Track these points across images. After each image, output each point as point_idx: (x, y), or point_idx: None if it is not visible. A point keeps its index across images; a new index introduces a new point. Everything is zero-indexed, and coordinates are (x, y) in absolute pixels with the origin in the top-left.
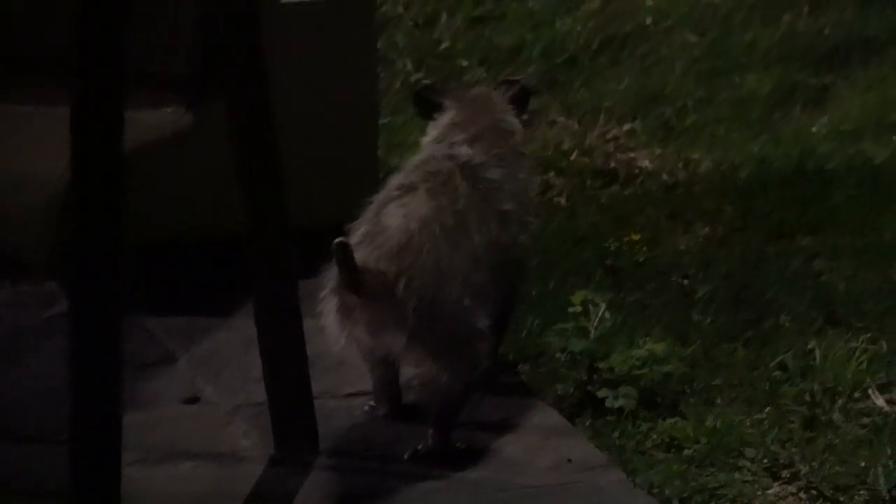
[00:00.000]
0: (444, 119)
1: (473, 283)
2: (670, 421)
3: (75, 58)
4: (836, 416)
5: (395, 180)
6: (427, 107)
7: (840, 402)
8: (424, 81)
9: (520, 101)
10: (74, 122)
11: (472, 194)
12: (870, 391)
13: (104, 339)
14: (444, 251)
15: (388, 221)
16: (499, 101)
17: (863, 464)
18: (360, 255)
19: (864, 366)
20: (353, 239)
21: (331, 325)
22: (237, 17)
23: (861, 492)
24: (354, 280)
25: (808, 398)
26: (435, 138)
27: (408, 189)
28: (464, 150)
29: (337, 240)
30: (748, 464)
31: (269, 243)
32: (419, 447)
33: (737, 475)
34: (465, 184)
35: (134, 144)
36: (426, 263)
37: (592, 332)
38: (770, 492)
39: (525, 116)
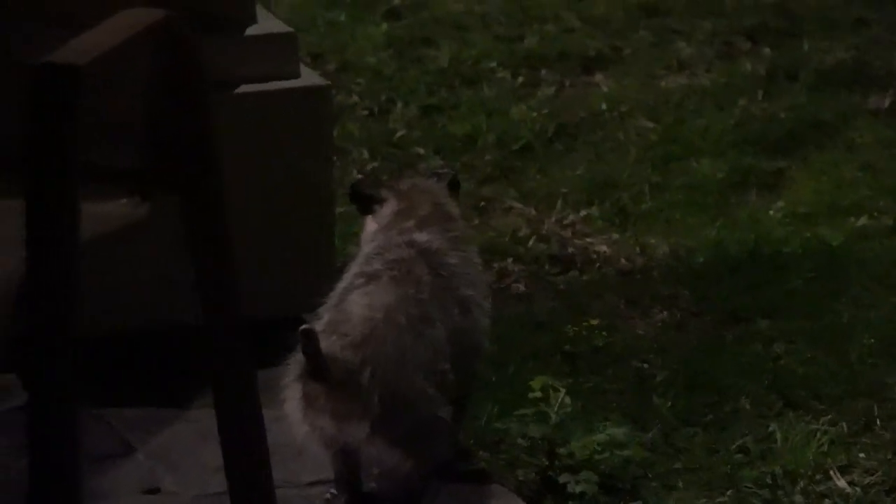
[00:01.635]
0: (387, 209)
1: (436, 371)
2: None
3: (27, 151)
4: (798, 499)
5: (356, 268)
6: (364, 201)
7: (801, 484)
8: (358, 176)
9: (452, 189)
10: (29, 215)
11: (434, 282)
12: (831, 472)
13: (63, 431)
14: (408, 341)
15: (352, 310)
16: (436, 188)
17: None
18: (324, 344)
19: (824, 448)
20: (317, 327)
21: (293, 413)
22: (188, 107)
23: None
24: (319, 368)
25: (769, 481)
26: (383, 227)
27: (371, 277)
28: (422, 237)
29: (303, 326)
30: None
31: (225, 334)
32: None
33: None
34: (427, 271)
35: (87, 236)
36: (391, 353)
37: (553, 417)
38: None
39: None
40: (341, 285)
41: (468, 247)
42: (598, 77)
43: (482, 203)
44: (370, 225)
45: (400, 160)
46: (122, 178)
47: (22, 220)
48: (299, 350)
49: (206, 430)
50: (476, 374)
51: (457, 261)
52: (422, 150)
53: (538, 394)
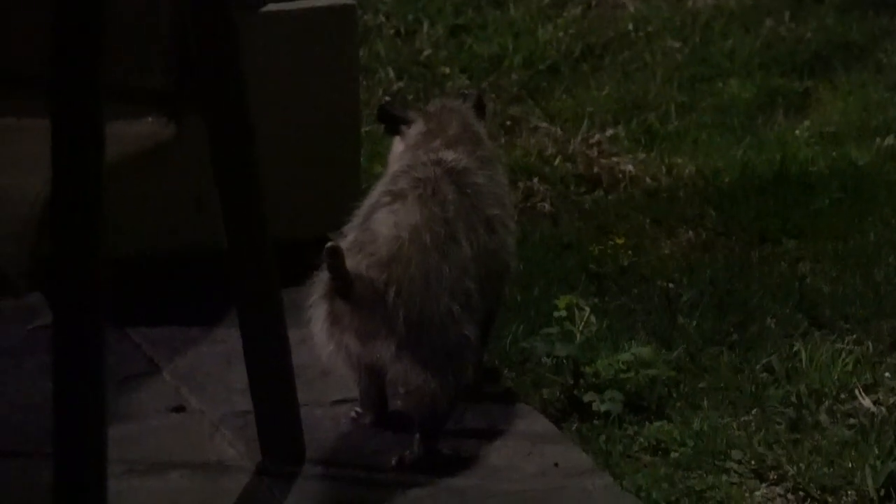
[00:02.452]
0: (415, 129)
1: (462, 291)
2: (657, 424)
3: (54, 71)
4: (823, 418)
5: (382, 186)
6: (392, 121)
7: (826, 403)
8: (385, 98)
9: (478, 110)
10: (55, 135)
11: (460, 201)
12: (856, 392)
13: (88, 350)
14: (433, 260)
15: (379, 229)
16: (464, 109)
17: (850, 464)
18: (350, 263)
19: (849, 367)
20: (343, 245)
21: (319, 333)
22: (214, 27)
23: (849, 492)
24: (345, 286)
25: (794, 400)
26: (410, 147)
27: (397, 196)
28: (449, 155)
29: (328, 244)
30: (735, 466)
31: (252, 254)
32: (406, 455)
33: (724, 477)
34: (453, 189)
35: (114, 156)
36: (416, 273)
37: (578, 336)
38: (757, 493)
39: (485, 126)
40: (367, 203)
41: (495, 166)
42: None
43: (509, 123)
44: (398, 146)
45: (426, 80)
46: (149, 97)
47: (48, 139)
48: (324, 269)
49: (231, 350)
50: (502, 295)
51: (483, 180)
52: (448, 71)
53: (563, 313)
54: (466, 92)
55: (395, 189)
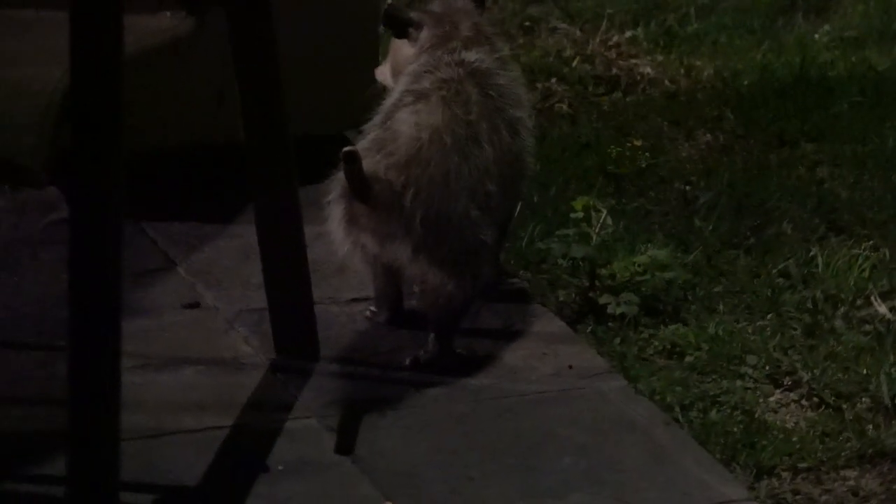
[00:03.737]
0: (426, 32)
1: (483, 193)
2: (672, 328)
3: None
4: (839, 324)
5: (404, 85)
6: (399, 24)
7: (842, 309)
8: (389, 2)
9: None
10: (73, 28)
11: (483, 102)
12: (872, 298)
13: (104, 244)
14: (453, 163)
15: (399, 128)
16: (470, 9)
17: (865, 371)
18: (368, 163)
19: (866, 273)
20: (363, 144)
21: (336, 231)
22: None
23: (863, 399)
24: (362, 189)
25: (810, 305)
26: (426, 49)
27: (420, 95)
28: (471, 56)
29: (345, 148)
30: (750, 371)
31: (270, 150)
32: (420, 354)
33: (738, 382)
34: (477, 91)
35: (133, 49)
36: (435, 174)
37: (594, 238)
38: (772, 399)
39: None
40: (389, 102)
41: (512, 67)
42: None
43: (527, 23)
44: (405, 49)
45: None
46: None
47: (66, 31)
48: (342, 169)
49: (247, 245)
50: (520, 196)
51: (505, 81)
52: None
53: (580, 214)
54: None
55: (418, 88)
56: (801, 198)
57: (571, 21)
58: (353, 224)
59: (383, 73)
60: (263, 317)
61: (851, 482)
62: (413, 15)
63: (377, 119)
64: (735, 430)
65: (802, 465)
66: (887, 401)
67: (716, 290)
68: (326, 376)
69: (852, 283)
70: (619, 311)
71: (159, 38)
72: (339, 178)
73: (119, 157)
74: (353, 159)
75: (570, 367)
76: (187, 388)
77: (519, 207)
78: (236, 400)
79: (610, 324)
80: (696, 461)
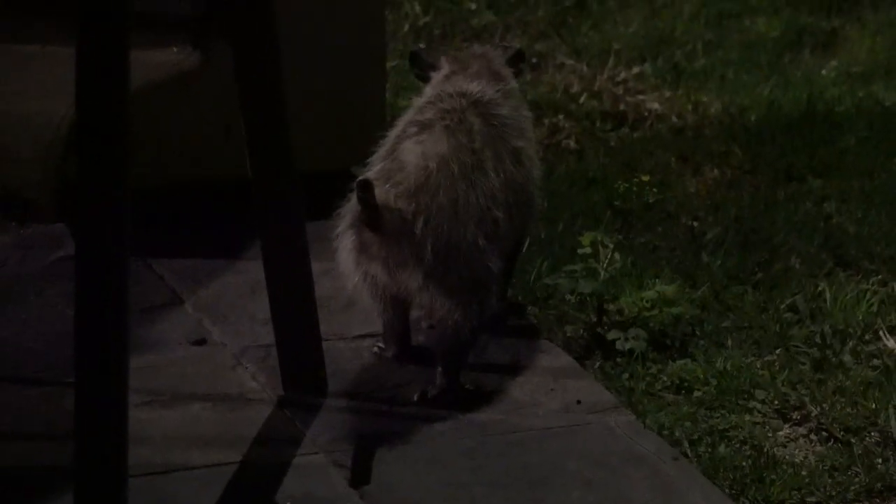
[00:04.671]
0: (441, 73)
1: (490, 220)
2: (680, 363)
3: None
4: (847, 358)
5: (408, 117)
6: (423, 67)
7: (850, 343)
8: (419, 45)
9: (514, 61)
10: (80, 62)
11: (486, 131)
12: (880, 333)
13: (111, 280)
14: (461, 189)
15: (406, 158)
16: (492, 55)
17: (873, 405)
18: (378, 193)
19: (874, 308)
20: (370, 176)
21: (346, 262)
22: None
23: (872, 433)
24: (374, 217)
25: (818, 340)
26: (436, 85)
27: (424, 126)
28: (473, 87)
29: (360, 177)
30: (758, 405)
31: (276, 185)
32: (428, 389)
33: (747, 417)
34: (479, 121)
35: (140, 84)
36: (444, 202)
37: (602, 273)
38: (780, 433)
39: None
40: (393, 133)
41: (519, 101)
42: None
43: (534, 59)
44: (426, 92)
45: (453, 15)
46: (174, 25)
47: (72, 66)
48: (352, 199)
49: (255, 281)
50: (528, 229)
51: (508, 112)
52: (475, 6)
53: (588, 250)
54: (507, 45)
55: (421, 119)
56: (808, 233)
57: (578, 57)
58: (363, 254)
59: None
60: (270, 352)
61: None
62: (436, 59)
63: (382, 151)
64: (744, 464)
65: (811, 499)
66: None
67: (724, 325)
68: (334, 412)
69: (860, 317)
70: (627, 346)
71: (165, 73)
72: (347, 210)
73: (125, 192)
74: (367, 187)
75: (579, 402)
76: (195, 423)
77: (527, 242)
78: (244, 435)
79: (618, 359)
80: (705, 496)
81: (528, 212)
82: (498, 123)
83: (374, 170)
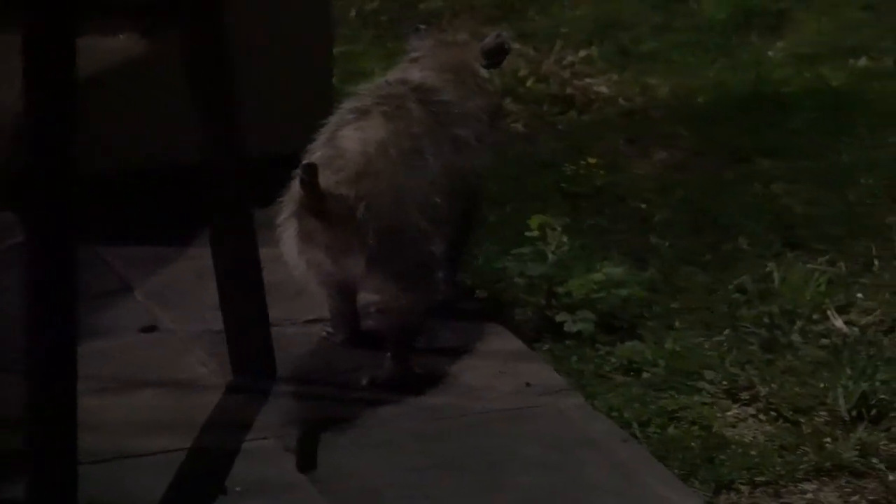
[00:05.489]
0: (408, 57)
1: (430, 206)
2: (629, 344)
3: None
4: (796, 338)
5: (349, 104)
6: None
7: (799, 324)
8: (419, 27)
9: (493, 53)
10: (27, 50)
11: (425, 117)
12: (829, 313)
13: (59, 268)
14: (401, 174)
15: (346, 145)
16: (466, 43)
17: (822, 385)
18: (320, 180)
19: (822, 288)
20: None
21: (290, 251)
22: None
23: (821, 413)
24: (317, 203)
25: (766, 320)
26: (395, 70)
27: (362, 113)
28: (416, 74)
29: (305, 161)
30: (707, 386)
31: (225, 172)
32: (378, 373)
33: (696, 397)
34: (419, 107)
35: (88, 72)
36: (385, 187)
37: (550, 256)
38: (729, 413)
39: (494, 67)
40: (332, 121)
41: (480, 92)
42: None
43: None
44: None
45: (400, 1)
46: (122, 12)
47: (17, 54)
48: (293, 187)
49: (204, 268)
50: (475, 215)
51: (450, 98)
52: None
53: (536, 233)
54: (499, 34)
55: (359, 106)
56: (757, 214)
57: (526, 41)
58: (306, 242)
59: None
60: (220, 338)
61: (810, 495)
62: (415, 43)
63: (321, 139)
64: (693, 445)
65: (761, 478)
66: (844, 414)
67: (672, 306)
68: (284, 397)
69: (809, 297)
70: (576, 328)
71: (114, 60)
72: (290, 198)
73: (73, 180)
74: (313, 172)
75: (528, 384)
76: (145, 410)
77: (475, 226)
78: (194, 422)
79: (567, 341)
80: (655, 477)
81: (473, 200)
82: (438, 110)
83: (314, 157)
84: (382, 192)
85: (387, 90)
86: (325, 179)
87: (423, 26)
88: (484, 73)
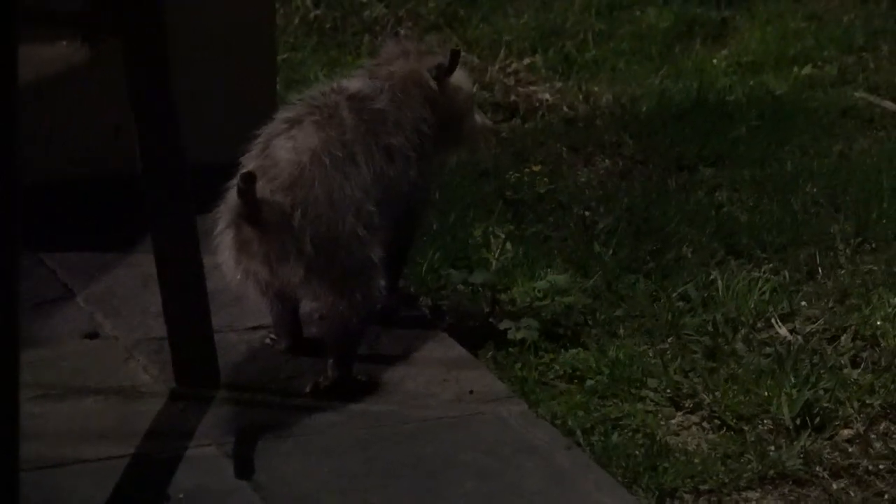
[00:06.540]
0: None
1: (365, 213)
2: (572, 352)
3: None
4: (739, 346)
5: (281, 114)
6: None
7: (742, 331)
8: (398, 32)
9: (445, 65)
10: None
11: (357, 126)
12: (772, 321)
13: (1, 274)
14: (335, 182)
15: (278, 154)
16: (426, 53)
17: (766, 393)
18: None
19: (766, 296)
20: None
21: (227, 261)
22: None
23: (764, 421)
24: (253, 211)
25: (710, 328)
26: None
27: (294, 122)
28: (352, 84)
29: (243, 170)
30: (651, 394)
31: (166, 178)
32: (320, 380)
33: (639, 405)
34: (351, 115)
35: (29, 78)
36: (320, 194)
37: (493, 264)
38: (673, 421)
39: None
40: (265, 131)
41: (421, 103)
42: None
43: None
44: None
45: (343, 8)
46: (64, 20)
47: None
48: (228, 197)
49: (147, 275)
50: (416, 223)
51: (384, 106)
52: None
53: (479, 240)
54: (455, 50)
55: (291, 115)
56: (700, 222)
57: (470, 48)
58: (243, 252)
59: None
60: (163, 345)
61: (753, 503)
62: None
63: (255, 149)
64: (637, 452)
65: (704, 486)
66: (788, 422)
67: (616, 314)
68: (226, 404)
69: (752, 305)
70: (519, 336)
71: (55, 68)
72: (226, 208)
73: (16, 187)
74: (251, 179)
75: (471, 392)
76: (87, 417)
77: (417, 233)
78: (136, 429)
79: (510, 349)
80: (598, 484)
81: (411, 209)
82: (371, 119)
83: (247, 167)
84: (317, 199)
85: (321, 99)
86: (261, 188)
87: (401, 31)
88: (434, 84)
